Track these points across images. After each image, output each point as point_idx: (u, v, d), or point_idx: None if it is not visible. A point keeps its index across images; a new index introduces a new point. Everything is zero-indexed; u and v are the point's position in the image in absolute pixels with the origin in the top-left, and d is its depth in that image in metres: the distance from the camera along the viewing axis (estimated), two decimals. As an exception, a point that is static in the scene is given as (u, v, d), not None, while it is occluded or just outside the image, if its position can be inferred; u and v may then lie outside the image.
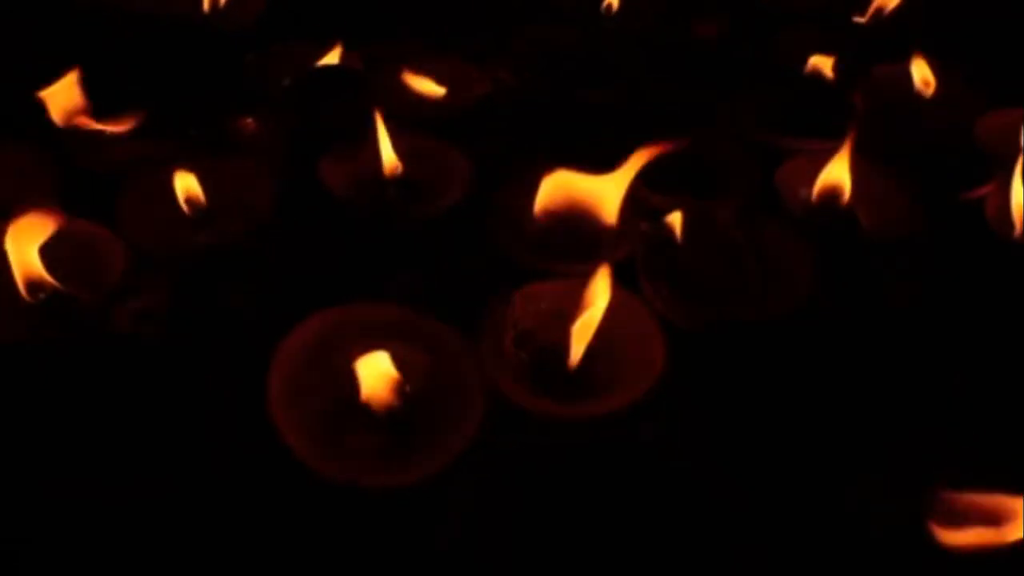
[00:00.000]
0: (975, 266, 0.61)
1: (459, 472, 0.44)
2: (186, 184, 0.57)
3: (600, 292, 0.48)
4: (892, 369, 0.55)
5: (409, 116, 0.67)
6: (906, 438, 0.51)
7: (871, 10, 0.81)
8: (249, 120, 0.68)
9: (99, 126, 0.63)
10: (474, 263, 0.57)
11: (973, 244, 0.61)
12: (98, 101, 0.65)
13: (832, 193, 0.62)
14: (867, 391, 0.53)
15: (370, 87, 0.67)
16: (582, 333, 0.48)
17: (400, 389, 0.46)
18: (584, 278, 0.50)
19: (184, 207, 0.58)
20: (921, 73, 0.73)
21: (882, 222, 0.62)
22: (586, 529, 0.46)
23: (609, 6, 0.80)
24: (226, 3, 0.79)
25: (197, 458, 0.46)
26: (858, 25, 0.80)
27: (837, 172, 0.62)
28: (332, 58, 0.70)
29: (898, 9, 0.80)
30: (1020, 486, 0.44)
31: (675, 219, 0.55)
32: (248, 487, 0.45)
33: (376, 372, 0.45)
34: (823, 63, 0.74)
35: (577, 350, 0.48)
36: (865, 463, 0.49)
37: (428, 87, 0.71)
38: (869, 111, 0.70)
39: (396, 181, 0.61)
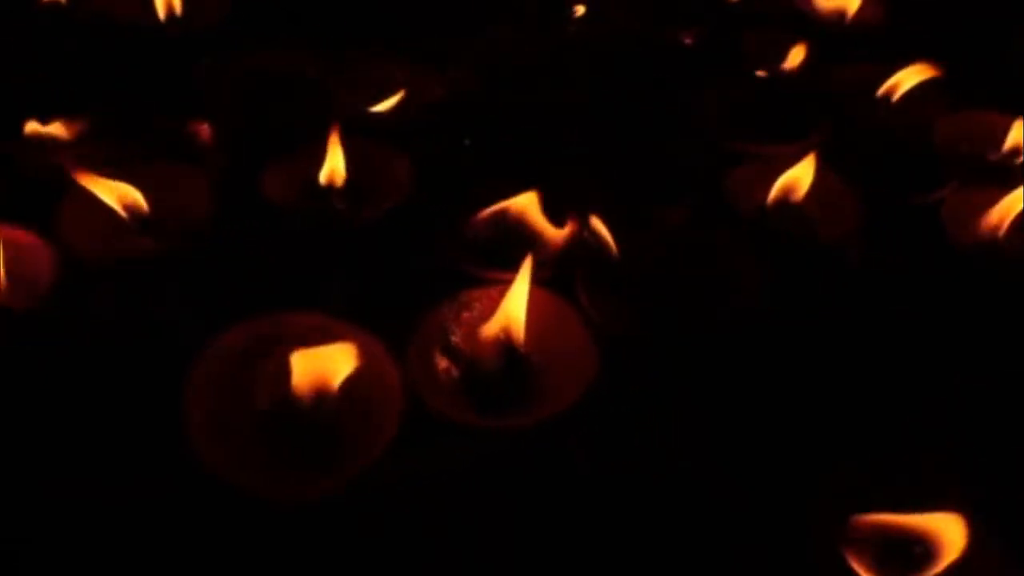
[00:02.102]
0: (927, 270, 0.60)
1: (369, 486, 0.43)
2: (125, 191, 0.57)
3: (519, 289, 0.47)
4: (840, 377, 0.54)
5: (362, 118, 0.67)
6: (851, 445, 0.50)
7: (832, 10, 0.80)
8: (203, 126, 0.67)
9: (45, 130, 0.62)
10: (413, 270, 0.56)
11: (926, 247, 0.60)
12: (48, 106, 0.64)
13: (787, 197, 0.61)
14: (813, 399, 0.52)
15: (320, 92, 0.66)
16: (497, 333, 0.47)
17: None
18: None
19: (123, 213, 0.57)
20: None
21: (836, 225, 0.61)
22: (497, 541, 0.45)
23: (574, 10, 0.79)
24: (183, 10, 0.78)
25: (109, 464, 0.46)
26: (822, 27, 0.79)
27: (796, 177, 0.61)
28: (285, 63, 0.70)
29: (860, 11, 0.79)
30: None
31: (602, 227, 0.54)
32: (158, 497, 0.45)
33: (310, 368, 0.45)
34: (788, 66, 0.74)
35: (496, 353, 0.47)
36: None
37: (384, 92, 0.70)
38: (829, 113, 0.69)
39: (339, 188, 0.60)
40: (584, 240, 0.53)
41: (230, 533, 0.44)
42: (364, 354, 0.44)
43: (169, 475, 0.44)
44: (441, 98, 0.70)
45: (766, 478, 0.48)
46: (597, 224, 0.54)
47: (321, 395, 0.45)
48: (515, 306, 0.47)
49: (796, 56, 0.73)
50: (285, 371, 0.44)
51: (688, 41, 0.79)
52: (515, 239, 0.56)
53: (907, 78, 0.70)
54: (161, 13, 0.77)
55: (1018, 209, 0.60)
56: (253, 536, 0.44)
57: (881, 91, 0.72)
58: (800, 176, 0.59)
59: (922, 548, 0.41)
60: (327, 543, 0.45)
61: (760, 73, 0.72)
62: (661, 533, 0.46)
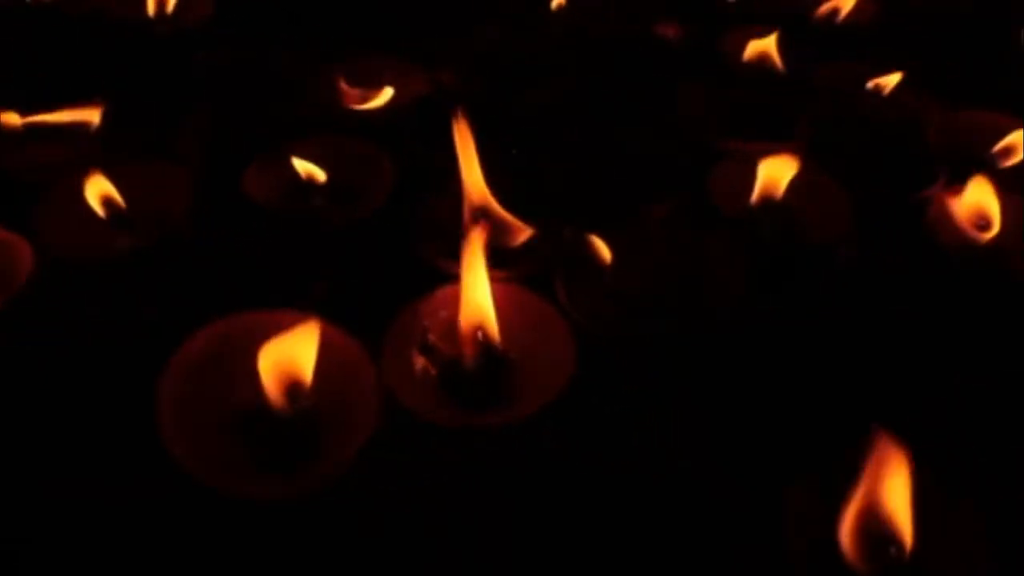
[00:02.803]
0: (916, 269, 0.59)
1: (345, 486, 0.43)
2: (103, 188, 0.56)
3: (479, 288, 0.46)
4: (823, 376, 0.53)
5: (345, 117, 0.66)
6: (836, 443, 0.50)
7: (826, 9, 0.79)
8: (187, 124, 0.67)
9: (27, 119, 0.62)
10: (393, 269, 0.55)
11: (915, 246, 0.59)
12: (31, 102, 0.64)
13: (771, 195, 0.61)
14: (794, 398, 0.52)
15: (304, 90, 0.66)
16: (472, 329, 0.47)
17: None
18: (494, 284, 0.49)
19: (101, 211, 0.57)
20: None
21: (826, 225, 0.60)
22: (476, 540, 0.44)
23: (559, 6, 0.79)
24: (174, 7, 0.78)
25: (83, 463, 0.45)
26: (812, 25, 0.78)
27: (774, 176, 0.60)
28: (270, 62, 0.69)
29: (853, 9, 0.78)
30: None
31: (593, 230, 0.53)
32: (131, 496, 0.44)
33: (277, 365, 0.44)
34: (772, 62, 0.73)
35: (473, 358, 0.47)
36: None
37: (367, 90, 0.70)
38: (818, 111, 0.69)
39: (321, 188, 0.60)
40: (564, 240, 0.53)
41: (203, 532, 0.44)
42: (326, 332, 0.44)
43: (143, 474, 0.44)
44: (427, 96, 0.70)
45: (748, 477, 0.48)
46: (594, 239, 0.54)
47: (294, 389, 0.45)
48: (480, 297, 0.47)
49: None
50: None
51: (676, 39, 0.79)
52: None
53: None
54: (151, 10, 0.77)
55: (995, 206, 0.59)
56: (227, 535, 0.44)
57: (870, 86, 0.71)
58: (777, 174, 0.58)
59: (896, 547, 0.40)
60: (301, 542, 0.44)
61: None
62: (637, 531, 0.46)
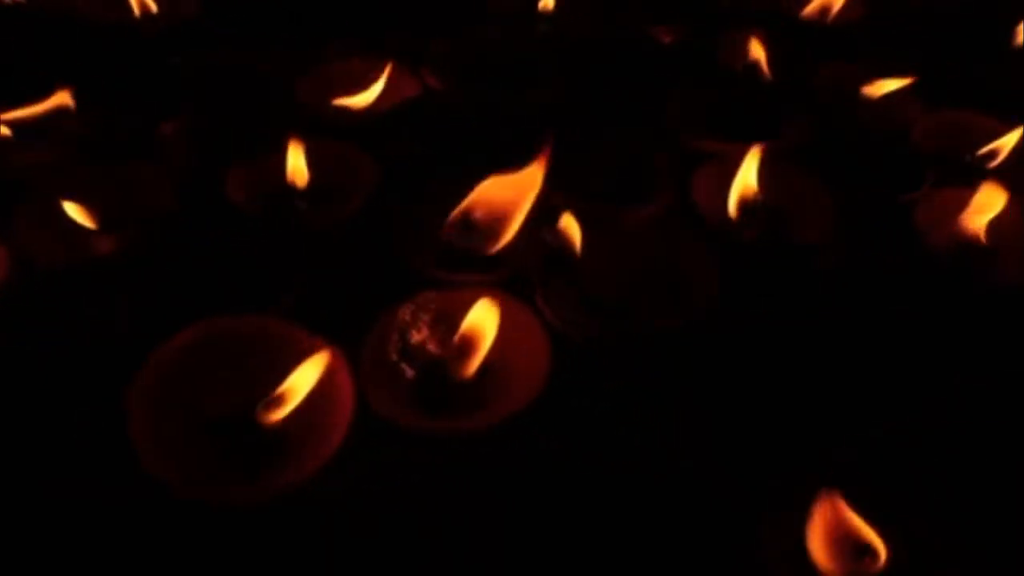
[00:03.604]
0: (896, 272, 0.59)
1: (320, 490, 0.43)
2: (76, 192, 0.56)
3: (488, 314, 0.46)
4: (800, 378, 0.53)
5: (332, 118, 0.66)
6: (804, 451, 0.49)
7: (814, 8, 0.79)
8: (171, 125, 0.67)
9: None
10: (374, 273, 0.55)
11: (896, 249, 0.59)
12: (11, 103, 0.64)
13: (750, 200, 0.60)
14: (773, 403, 0.51)
15: (285, 93, 0.65)
16: (469, 349, 0.46)
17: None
18: (475, 288, 0.48)
19: (78, 216, 0.56)
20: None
21: (805, 225, 0.60)
22: (451, 547, 0.44)
23: (545, 8, 0.78)
24: (158, 8, 0.78)
25: (54, 468, 0.45)
26: (803, 26, 0.78)
27: (751, 176, 0.60)
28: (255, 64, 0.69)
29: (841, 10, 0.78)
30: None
31: (573, 228, 0.53)
32: (102, 501, 0.44)
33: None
34: (761, 64, 0.72)
35: (464, 365, 0.47)
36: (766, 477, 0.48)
37: (353, 91, 0.70)
38: (806, 112, 0.68)
39: (303, 191, 0.59)
40: (545, 241, 0.53)
41: (175, 539, 0.43)
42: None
43: (114, 478, 0.44)
44: (413, 98, 0.69)
45: (726, 480, 0.47)
46: (565, 224, 0.53)
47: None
48: (488, 325, 0.46)
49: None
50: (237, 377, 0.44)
51: (666, 40, 0.78)
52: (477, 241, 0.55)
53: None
54: (135, 10, 0.77)
55: (993, 210, 0.58)
56: (198, 541, 0.43)
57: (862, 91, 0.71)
58: (749, 176, 0.58)
59: (871, 558, 0.40)
60: (272, 549, 0.44)
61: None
62: (614, 534, 0.46)
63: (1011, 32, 0.78)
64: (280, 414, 0.44)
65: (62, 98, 0.63)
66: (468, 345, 0.48)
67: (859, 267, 0.59)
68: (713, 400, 0.51)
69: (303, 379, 0.45)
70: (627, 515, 0.46)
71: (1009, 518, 0.47)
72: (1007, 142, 0.65)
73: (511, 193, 0.54)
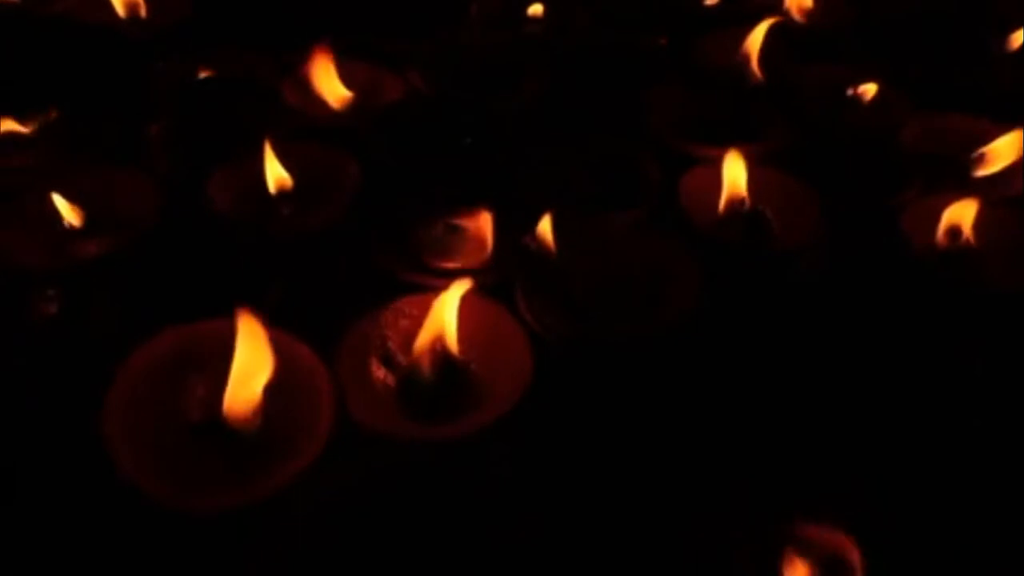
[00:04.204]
0: (881, 277, 0.58)
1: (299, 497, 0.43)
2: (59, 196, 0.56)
3: (447, 306, 0.46)
4: (782, 387, 0.53)
5: (314, 121, 0.66)
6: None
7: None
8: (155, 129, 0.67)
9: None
10: (354, 277, 0.55)
11: (881, 253, 0.59)
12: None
13: (740, 201, 0.60)
14: (753, 410, 0.51)
15: (268, 96, 0.65)
16: (425, 347, 0.46)
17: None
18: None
19: (61, 219, 0.56)
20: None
21: (792, 230, 0.60)
22: (431, 554, 0.44)
23: (535, 13, 0.78)
24: (147, 11, 0.78)
25: (30, 476, 0.45)
26: (789, 27, 0.78)
27: (731, 181, 0.60)
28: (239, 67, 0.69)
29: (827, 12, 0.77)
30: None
31: (555, 235, 0.52)
32: (76, 508, 0.44)
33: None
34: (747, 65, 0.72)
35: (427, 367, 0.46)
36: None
37: (337, 92, 0.69)
38: (792, 114, 0.68)
39: (284, 194, 0.59)
40: (527, 247, 0.52)
41: (150, 546, 0.43)
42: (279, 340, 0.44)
43: (89, 484, 0.44)
44: (398, 100, 0.69)
45: (706, 487, 0.47)
46: (542, 230, 0.53)
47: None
48: (446, 318, 0.46)
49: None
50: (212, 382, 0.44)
51: (653, 43, 0.78)
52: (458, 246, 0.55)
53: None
54: (122, 13, 0.77)
55: (971, 215, 0.58)
56: (174, 548, 0.43)
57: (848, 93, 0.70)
58: (735, 180, 0.58)
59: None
60: (252, 556, 0.44)
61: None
62: (596, 541, 0.45)
63: (1001, 34, 0.77)
64: (245, 408, 0.44)
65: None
66: (429, 346, 0.48)
67: (844, 271, 0.59)
68: (694, 406, 0.51)
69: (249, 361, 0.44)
70: (605, 521, 0.46)
71: (998, 528, 0.47)
72: (1000, 148, 0.64)
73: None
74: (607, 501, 0.47)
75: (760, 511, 0.43)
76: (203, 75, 0.68)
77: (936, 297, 0.57)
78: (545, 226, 0.52)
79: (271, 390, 0.45)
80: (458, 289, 0.46)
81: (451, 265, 0.55)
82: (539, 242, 0.53)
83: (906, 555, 0.42)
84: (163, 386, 0.45)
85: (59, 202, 0.56)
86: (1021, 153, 0.63)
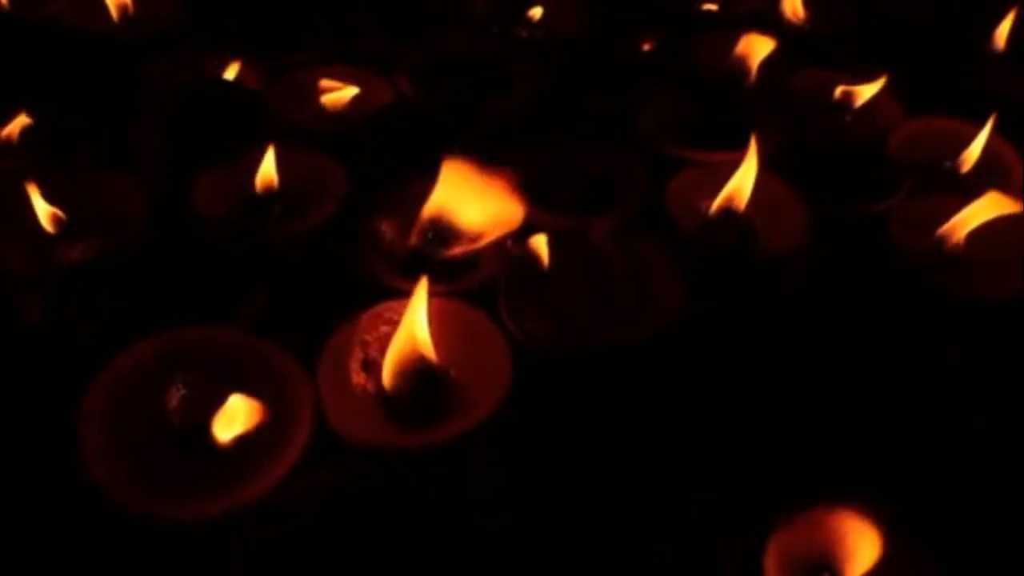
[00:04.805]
0: (874, 282, 0.58)
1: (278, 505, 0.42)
2: (44, 200, 0.56)
3: (416, 311, 0.46)
4: (767, 394, 0.52)
5: (303, 126, 0.66)
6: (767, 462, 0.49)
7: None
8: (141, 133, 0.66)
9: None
10: (338, 283, 0.55)
11: (870, 258, 0.58)
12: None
13: (730, 208, 0.60)
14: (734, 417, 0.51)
15: (256, 102, 0.65)
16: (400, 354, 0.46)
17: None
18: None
19: (45, 223, 0.56)
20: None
21: (779, 236, 0.59)
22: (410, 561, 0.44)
23: (531, 16, 0.78)
24: (136, 12, 0.78)
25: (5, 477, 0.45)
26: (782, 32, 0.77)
27: (735, 185, 0.59)
28: (227, 72, 0.69)
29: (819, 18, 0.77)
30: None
31: (540, 241, 0.52)
32: (47, 513, 0.44)
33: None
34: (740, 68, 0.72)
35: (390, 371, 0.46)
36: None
37: (332, 96, 0.69)
38: (781, 120, 0.68)
39: (272, 200, 0.59)
40: (509, 253, 0.52)
41: (125, 554, 0.43)
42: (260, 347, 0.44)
43: (69, 491, 0.43)
44: (384, 105, 0.69)
45: (687, 494, 0.47)
46: (535, 242, 0.53)
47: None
48: (417, 324, 0.46)
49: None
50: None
51: (646, 47, 0.78)
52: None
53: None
54: (114, 15, 0.77)
55: (975, 222, 0.58)
56: (151, 556, 0.43)
57: (837, 96, 0.70)
58: (740, 185, 0.57)
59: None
60: (227, 564, 0.43)
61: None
62: (575, 550, 0.45)
63: (993, 37, 0.77)
64: (230, 434, 0.43)
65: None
66: (404, 353, 0.48)
67: (831, 277, 0.59)
68: (679, 412, 0.50)
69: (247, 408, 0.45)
70: (585, 528, 0.45)
71: (991, 533, 0.47)
72: (973, 148, 0.64)
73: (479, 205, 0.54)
74: (590, 508, 0.47)
75: (748, 519, 0.42)
76: (191, 79, 0.68)
77: (925, 302, 0.57)
78: (535, 235, 0.52)
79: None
80: (422, 292, 0.46)
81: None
82: (522, 247, 0.52)
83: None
84: (144, 392, 0.45)
85: (40, 206, 0.56)
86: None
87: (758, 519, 0.42)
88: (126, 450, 0.43)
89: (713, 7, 0.82)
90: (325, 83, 0.69)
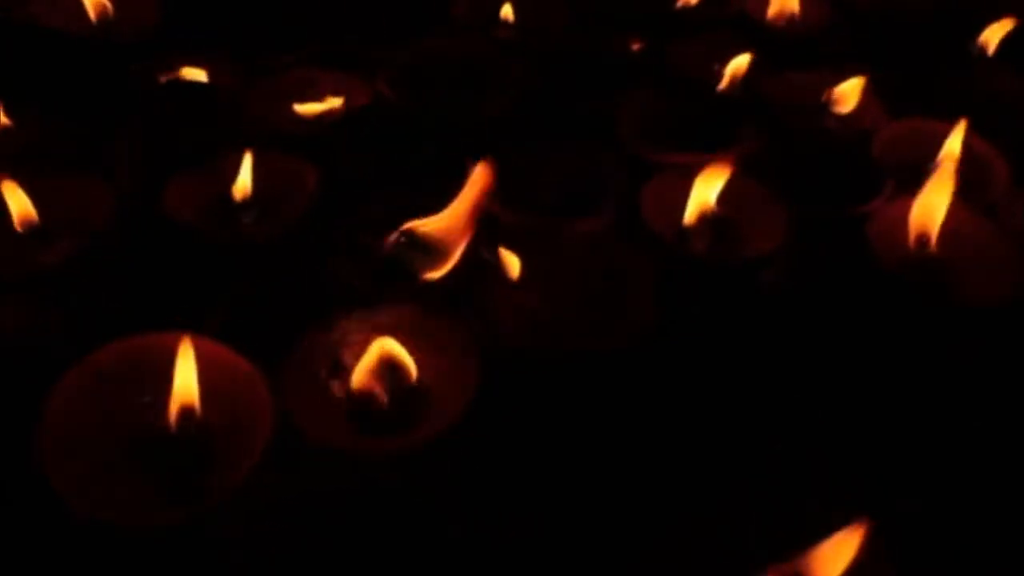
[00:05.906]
0: (849, 288, 0.57)
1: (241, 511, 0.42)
2: (17, 201, 0.55)
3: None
4: (744, 401, 0.52)
5: (280, 129, 0.65)
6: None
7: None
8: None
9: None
10: (307, 287, 0.54)
11: (850, 263, 0.58)
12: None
13: (707, 210, 0.59)
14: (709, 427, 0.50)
15: (231, 104, 0.64)
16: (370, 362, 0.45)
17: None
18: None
19: (17, 225, 0.56)
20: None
21: (758, 237, 0.58)
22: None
23: (505, 17, 0.77)
24: (116, 15, 0.77)
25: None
26: (766, 33, 0.77)
27: (710, 188, 0.59)
28: (195, 74, 0.68)
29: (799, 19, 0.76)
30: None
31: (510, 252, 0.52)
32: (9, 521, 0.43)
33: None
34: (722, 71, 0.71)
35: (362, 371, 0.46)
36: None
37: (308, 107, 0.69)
38: (762, 122, 0.67)
39: (245, 204, 0.58)
40: (481, 256, 0.51)
41: (84, 561, 0.42)
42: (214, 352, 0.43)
43: (23, 499, 0.43)
44: (359, 107, 0.68)
45: (659, 503, 0.46)
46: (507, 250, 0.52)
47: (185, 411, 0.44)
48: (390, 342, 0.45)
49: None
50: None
51: (630, 49, 0.77)
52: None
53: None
54: (92, 17, 0.76)
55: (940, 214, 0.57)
56: (112, 564, 0.43)
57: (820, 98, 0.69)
58: (711, 186, 0.57)
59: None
60: (188, 571, 0.43)
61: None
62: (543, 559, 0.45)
63: (976, 40, 0.76)
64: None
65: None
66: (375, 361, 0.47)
67: (810, 281, 0.58)
68: (651, 423, 0.50)
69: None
70: (552, 536, 0.45)
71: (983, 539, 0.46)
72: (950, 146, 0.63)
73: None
74: (559, 515, 0.46)
75: (727, 524, 0.42)
76: (167, 81, 0.68)
77: (905, 306, 0.56)
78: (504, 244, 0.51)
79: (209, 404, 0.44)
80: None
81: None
82: (493, 252, 0.52)
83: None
84: (105, 399, 0.44)
85: (15, 209, 0.55)
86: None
87: (738, 527, 0.41)
88: (86, 457, 0.42)
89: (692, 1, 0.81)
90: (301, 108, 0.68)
